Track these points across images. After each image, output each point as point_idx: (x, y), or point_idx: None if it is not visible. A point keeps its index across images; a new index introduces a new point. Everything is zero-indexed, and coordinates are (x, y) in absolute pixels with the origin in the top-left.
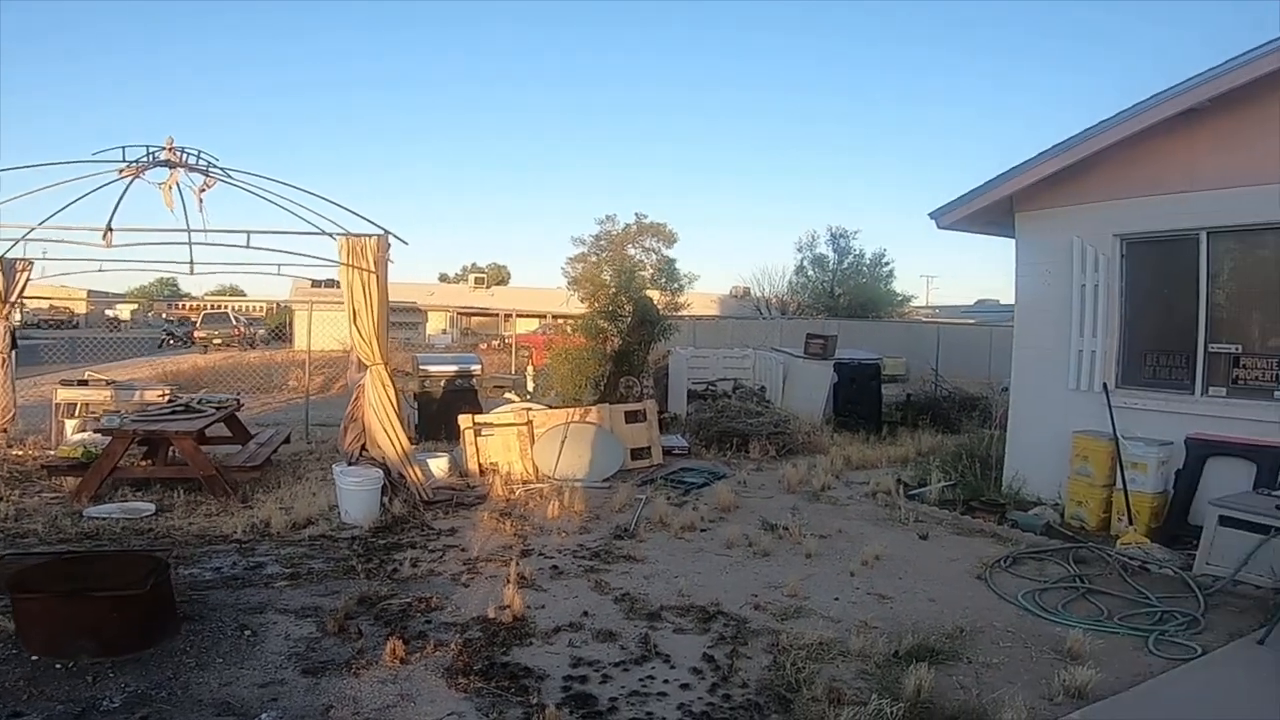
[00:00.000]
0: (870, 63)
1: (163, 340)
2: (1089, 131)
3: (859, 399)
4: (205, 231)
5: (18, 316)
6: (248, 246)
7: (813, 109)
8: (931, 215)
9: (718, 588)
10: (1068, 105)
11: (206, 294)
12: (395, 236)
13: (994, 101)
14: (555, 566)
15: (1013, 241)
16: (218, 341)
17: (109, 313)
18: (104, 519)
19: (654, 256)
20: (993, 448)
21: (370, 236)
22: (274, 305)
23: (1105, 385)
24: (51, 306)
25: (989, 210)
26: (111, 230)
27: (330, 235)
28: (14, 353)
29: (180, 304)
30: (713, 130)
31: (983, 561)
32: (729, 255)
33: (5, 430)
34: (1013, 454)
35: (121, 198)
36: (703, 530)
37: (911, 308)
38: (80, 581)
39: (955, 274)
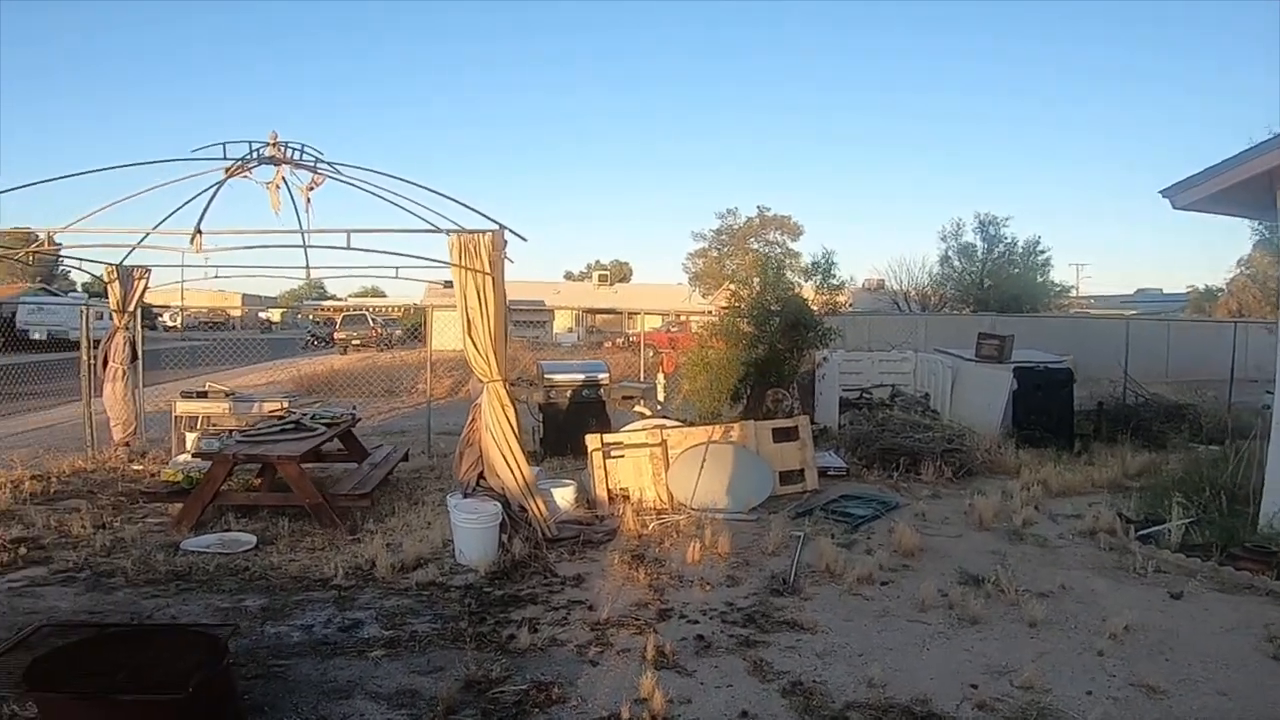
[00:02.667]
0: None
1: (306, 341)
2: None
3: (1045, 409)
4: (307, 233)
5: (138, 325)
6: (348, 248)
7: (938, 89)
8: (1164, 193)
9: (920, 673)
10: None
11: (349, 295)
12: (512, 232)
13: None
14: (700, 636)
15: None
16: (356, 342)
17: (261, 315)
18: (199, 554)
19: (779, 249)
20: (1240, 473)
21: (484, 233)
22: (410, 306)
23: None
24: (210, 310)
25: (1239, 188)
26: (200, 234)
27: (443, 232)
28: (135, 363)
29: (322, 307)
30: (837, 118)
31: (1270, 632)
32: (858, 247)
33: (128, 444)
34: (1274, 485)
35: (212, 199)
36: (884, 584)
37: (1070, 300)
38: (116, 671)
39: (1108, 261)
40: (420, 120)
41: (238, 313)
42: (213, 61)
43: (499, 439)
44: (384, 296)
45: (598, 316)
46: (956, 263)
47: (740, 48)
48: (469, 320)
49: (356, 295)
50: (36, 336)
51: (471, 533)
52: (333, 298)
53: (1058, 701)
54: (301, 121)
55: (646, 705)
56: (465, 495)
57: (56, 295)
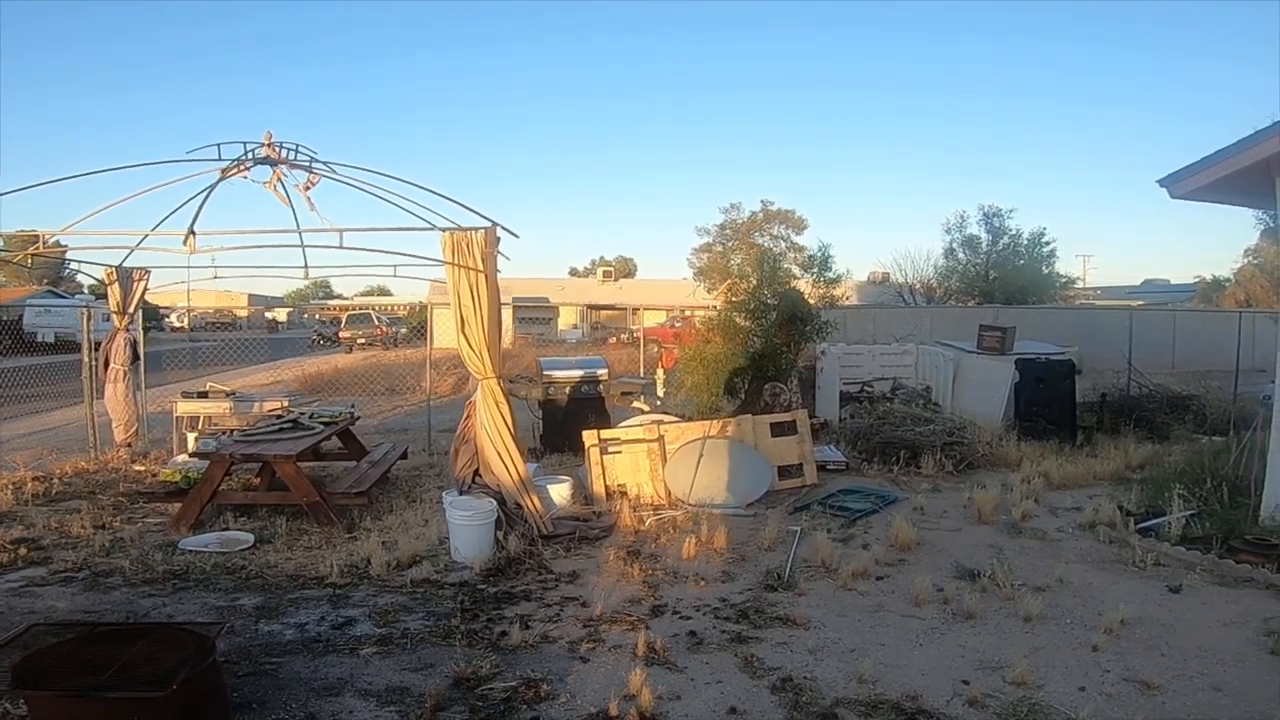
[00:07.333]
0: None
1: (313, 341)
2: None
3: (1047, 401)
4: (303, 232)
5: (139, 326)
6: (341, 247)
7: (953, 81)
8: (1162, 183)
9: (912, 669)
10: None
11: (356, 295)
12: (504, 229)
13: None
14: (693, 632)
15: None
16: (361, 341)
17: (268, 315)
18: (197, 553)
19: (783, 244)
20: (1242, 465)
21: (476, 230)
22: (415, 305)
23: None
24: (217, 311)
25: (1237, 177)
26: (194, 234)
27: (438, 230)
28: (137, 364)
29: (328, 307)
30: (843, 108)
31: (1269, 626)
32: (863, 240)
33: (130, 445)
34: (1276, 476)
35: (205, 200)
36: (879, 578)
37: (1075, 291)
38: (104, 670)
39: (1115, 253)
40: (430, 124)
41: (244, 313)
42: (215, 67)
43: (494, 436)
44: (390, 295)
45: (602, 312)
46: (961, 255)
47: (746, 48)
48: (462, 318)
49: (363, 294)
50: (43, 339)
51: (467, 530)
52: (339, 297)
53: (1049, 698)
54: (313, 125)
55: (634, 702)
56: (461, 492)
57: (64, 298)
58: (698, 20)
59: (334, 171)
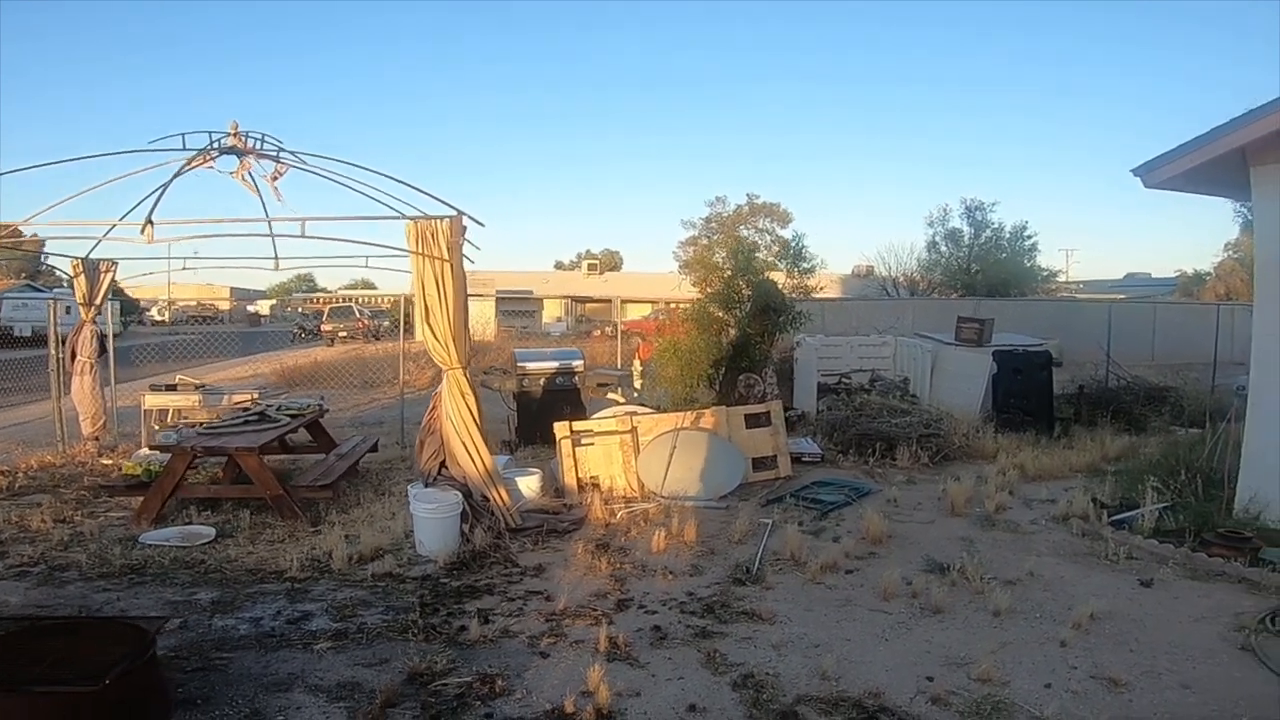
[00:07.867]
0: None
1: (294, 334)
2: None
3: (1024, 393)
4: (269, 222)
5: (110, 319)
6: (303, 236)
7: (934, 73)
8: (1136, 172)
9: (876, 665)
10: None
11: (340, 288)
12: (470, 218)
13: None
14: (657, 627)
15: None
16: (343, 334)
17: (250, 308)
18: (156, 547)
19: (768, 237)
20: (1216, 457)
21: (442, 219)
22: (399, 298)
23: None
24: (199, 304)
25: (1211, 166)
26: (151, 224)
27: (405, 218)
28: (104, 357)
29: (312, 299)
30: (833, 101)
31: (1240, 621)
32: (849, 233)
33: (97, 438)
34: (1250, 468)
35: (164, 190)
36: (848, 572)
37: (1058, 284)
38: (40, 664)
39: (1098, 246)
40: (419, 115)
41: (227, 306)
42: (194, 57)
43: (459, 427)
44: (375, 288)
45: (587, 305)
46: (944, 248)
47: (735, 42)
48: (427, 307)
49: (346, 287)
50: (20, 333)
51: (431, 523)
52: (323, 290)
53: (1015, 695)
54: (301, 117)
55: (592, 699)
56: (426, 485)
57: (42, 291)
58: (686, 14)
59: (302, 161)
